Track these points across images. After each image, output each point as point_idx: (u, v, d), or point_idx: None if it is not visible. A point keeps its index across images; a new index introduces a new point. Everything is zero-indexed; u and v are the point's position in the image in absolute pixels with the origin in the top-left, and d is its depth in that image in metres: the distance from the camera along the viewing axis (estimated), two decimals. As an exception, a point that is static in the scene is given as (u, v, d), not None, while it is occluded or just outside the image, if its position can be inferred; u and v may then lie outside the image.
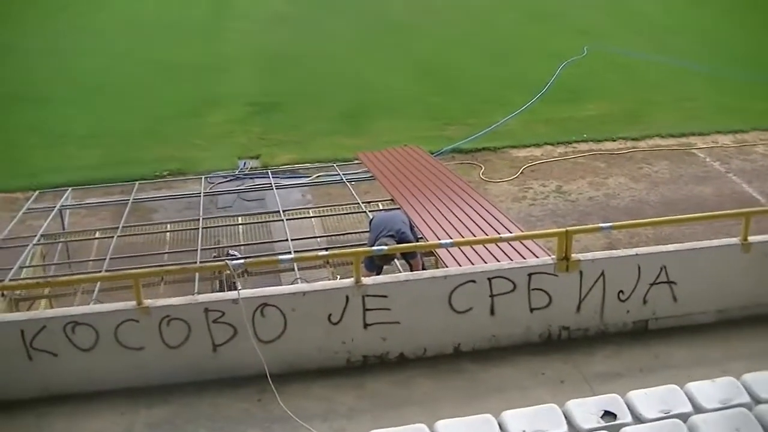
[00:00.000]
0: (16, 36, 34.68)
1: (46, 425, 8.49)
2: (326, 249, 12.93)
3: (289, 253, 12.01)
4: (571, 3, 40.04)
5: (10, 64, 31.49)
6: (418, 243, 11.66)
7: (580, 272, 9.39)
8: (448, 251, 11.23)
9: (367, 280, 9.04)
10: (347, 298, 8.95)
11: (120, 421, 8.51)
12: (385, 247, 9.92)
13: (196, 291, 10.61)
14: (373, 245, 10.67)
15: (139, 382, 8.88)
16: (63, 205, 14.95)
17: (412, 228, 11.85)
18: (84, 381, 8.82)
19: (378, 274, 10.48)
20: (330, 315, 9.01)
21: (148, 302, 8.64)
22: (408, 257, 11.43)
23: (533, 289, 9.36)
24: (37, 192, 16.24)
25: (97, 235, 14.37)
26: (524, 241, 11.35)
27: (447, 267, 10.45)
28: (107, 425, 8.46)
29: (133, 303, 8.60)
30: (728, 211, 11.65)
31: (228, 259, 9.13)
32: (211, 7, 39.16)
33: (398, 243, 10.90)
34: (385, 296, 9.04)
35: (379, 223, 11.49)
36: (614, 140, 23.96)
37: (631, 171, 21.89)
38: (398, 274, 9.99)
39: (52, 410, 8.60)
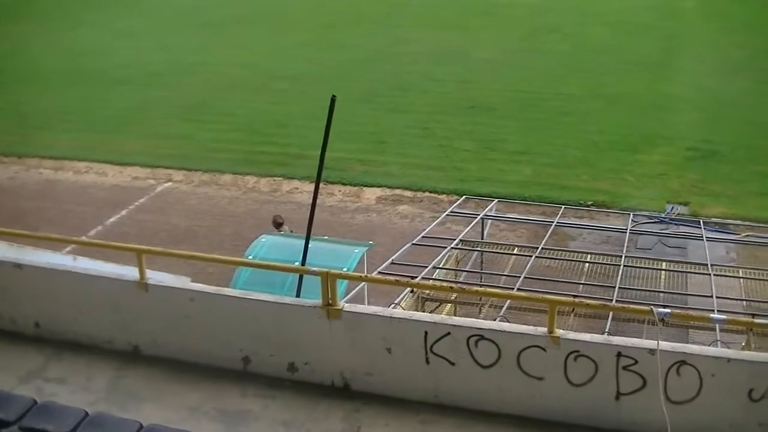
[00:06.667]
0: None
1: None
2: (752, 315, 11.69)
3: (714, 311, 11.01)
4: None
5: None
6: None
7: None
8: None
9: (804, 364, 7.84)
10: (778, 374, 7.82)
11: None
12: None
13: (607, 330, 9.95)
14: None
15: (531, 412, 8.41)
16: (486, 215, 14.97)
17: None
18: (475, 397, 8.52)
19: None
20: (752, 390, 7.88)
21: (559, 332, 8.11)
22: None
23: None
24: (463, 197, 16.47)
25: (515, 251, 14.19)
26: None
27: None
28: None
29: (544, 330, 8.12)
30: None
31: (653, 305, 8.33)
32: (661, 44, 38.04)
33: None
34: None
35: None
36: None
37: None
38: None
39: (440, 419, 8.39)
